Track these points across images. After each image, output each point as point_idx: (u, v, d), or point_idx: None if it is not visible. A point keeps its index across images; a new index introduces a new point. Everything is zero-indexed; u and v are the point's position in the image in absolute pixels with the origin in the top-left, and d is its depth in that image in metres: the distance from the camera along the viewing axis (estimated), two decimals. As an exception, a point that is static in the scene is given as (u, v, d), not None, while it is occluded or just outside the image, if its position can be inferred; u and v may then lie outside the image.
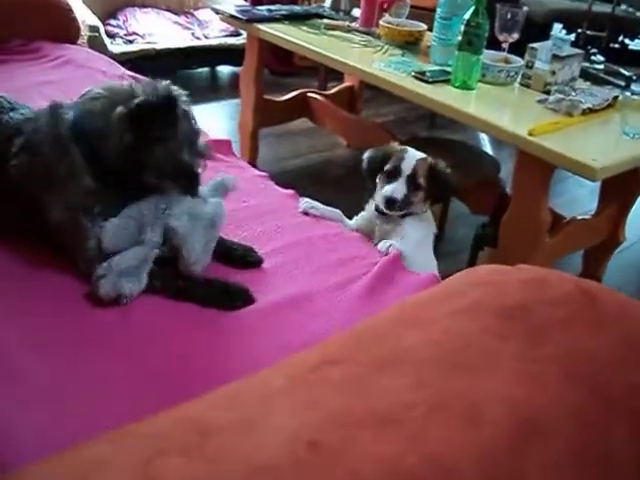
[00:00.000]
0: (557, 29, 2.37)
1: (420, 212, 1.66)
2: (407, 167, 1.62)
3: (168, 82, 1.44)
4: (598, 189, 2.51)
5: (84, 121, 1.35)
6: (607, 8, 4.39)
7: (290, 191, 1.67)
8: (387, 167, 1.64)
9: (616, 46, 4.73)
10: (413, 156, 1.64)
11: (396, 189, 1.60)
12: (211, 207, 1.36)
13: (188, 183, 1.36)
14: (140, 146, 1.31)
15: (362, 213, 1.76)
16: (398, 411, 0.67)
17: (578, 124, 2.03)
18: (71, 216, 1.33)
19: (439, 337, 0.78)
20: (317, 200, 1.71)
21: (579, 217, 2.38)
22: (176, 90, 1.43)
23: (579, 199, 3.19)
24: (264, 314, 1.18)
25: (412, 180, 1.60)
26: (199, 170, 1.38)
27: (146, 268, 1.28)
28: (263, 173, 1.79)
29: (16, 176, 1.35)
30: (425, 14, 2.93)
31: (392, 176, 1.63)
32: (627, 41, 4.76)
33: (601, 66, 4.60)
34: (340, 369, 0.75)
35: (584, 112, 2.07)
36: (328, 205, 1.72)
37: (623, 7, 4.51)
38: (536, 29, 3.64)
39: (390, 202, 1.59)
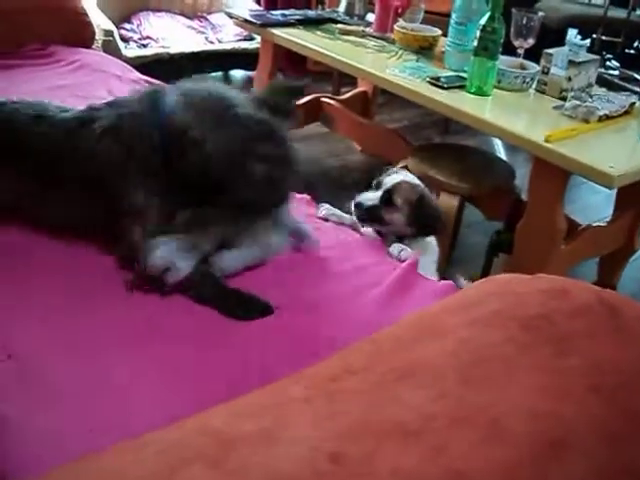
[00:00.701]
0: (572, 35, 2.36)
1: (414, 238, 1.60)
2: (387, 183, 1.60)
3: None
4: (614, 196, 2.50)
5: (171, 125, 1.32)
6: (622, 13, 4.36)
7: (305, 196, 1.67)
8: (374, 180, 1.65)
9: (631, 52, 4.71)
10: (399, 176, 1.62)
11: (366, 197, 1.60)
12: (275, 239, 1.34)
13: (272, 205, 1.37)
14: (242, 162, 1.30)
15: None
16: (419, 422, 0.67)
17: (594, 131, 2.02)
18: (147, 202, 1.34)
19: (459, 348, 0.78)
20: (331, 205, 1.71)
21: (594, 224, 2.36)
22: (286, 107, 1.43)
23: (594, 206, 3.17)
24: (279, 321, 1.18)
25: (388, 196, 1.57)
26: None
27: (197, 255, 1.28)
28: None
29: (99, 159, 1.35)
30: (439, 19, 2.93)
31: (374, 188, 1.63)
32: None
33: (616, 72, 4.60)
34: (360, 379, 0.75)
35: (600, 119, 2.06)
36: (341, 210, 1.71)
37: (639, 12, 4.49)
38: (551, 35, 3.63)
39: (356, 206, 1.59)
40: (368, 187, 1.70)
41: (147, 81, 2.43)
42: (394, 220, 1.56)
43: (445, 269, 2.52)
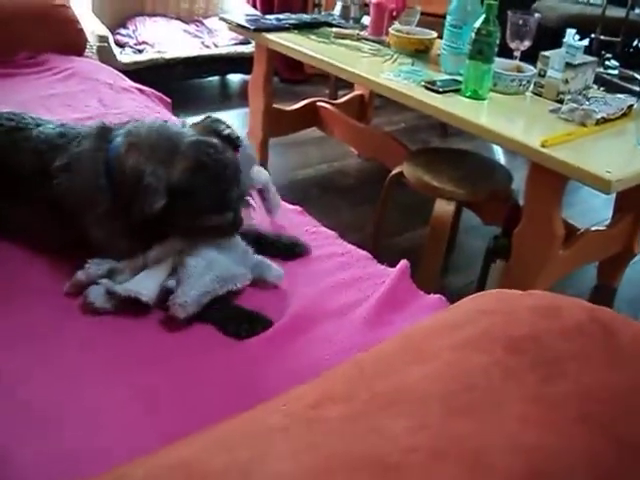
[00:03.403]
0: (570, 34, 2.32)
1: None
2: None
3: (216, 128, 1.39)
4: (613, 199, 2.46)
5: (119, 170, 1.32)
6: (621, 12, 4.33)
7: (297, 207, 1.64)
8: None
9: (631, 51, 4.67)
10: None
11: None
12: (236, 270, 1.32)
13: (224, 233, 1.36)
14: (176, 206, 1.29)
15: None
16: (399, 455, 0.64)
17: (592, 134, 1.98)
18: (109, 241, 1.34)
19: (443, 373, 0.75)
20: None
21: (593, 228, 2.33)
22: (228, 134, 1.40)
23: (593, 209, 3.13)
24: (267, 340, 1.15)
25: None
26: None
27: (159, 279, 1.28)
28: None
29: (58, 194, 1.35)
30: (435, 21, 2.89)
31: None
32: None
33: (616, 71, 4.56)
34: (341, 407, 0.72)
35: (598, 122, 2.02)
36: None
37: (637, 11, 4.45)
38: (548, 35, 3.60)
39: None
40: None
41: (139, 89, 2.40)
42: None
43: (442, 275, 2.51)
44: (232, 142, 1.39)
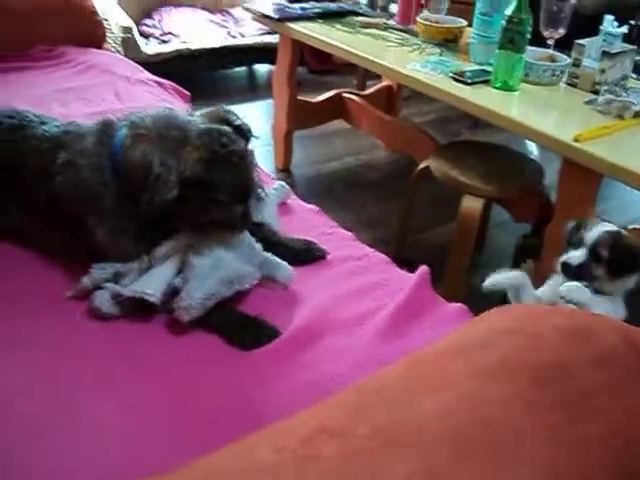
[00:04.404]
0: (608, 21, 2.20)
1: (612, 292, 1.52)
2: (590, 238, 1.50)
3: (227, 117, 1.32)
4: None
5: (126, 162, 1.26)
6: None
7: (314, 207, 1.56)
8: (574, 238, 1.55)
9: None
10: (600, 228, 1.51)
11: (573, 256, 1.51)
12: (243, 269, 1.25)
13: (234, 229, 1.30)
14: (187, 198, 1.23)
15: (549, 281, 1.64)
16: (401, 508, 0.56)
17: (629, 128, 1.87)
18: (115, 239, 1.28)
19: (455, 406, 0.66)
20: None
21: (630, 227, 2.21)
22: (240, 125, 1.32)
23: (629, 204, 3.00)
24: (274, 352, 1.07)
25: (593, 251, 1.48)
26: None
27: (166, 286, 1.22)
28: (286, 186, 1.67)
29: (60, 192, 1.30)
30: (465, 9, 2.78)
31: (576, 246, 1.53)
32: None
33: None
34: (337, 444, 0.64)
35: (636, 115, 1.91)
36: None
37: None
38: (584, 22, 3.45)
39: (564, 267, 1.50)
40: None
41: (157, 82, 2.33)
42: (602, 273, 1.48)
43: (471, 272, 2.41)
44: (243, 133, 1.32)
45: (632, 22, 4.02)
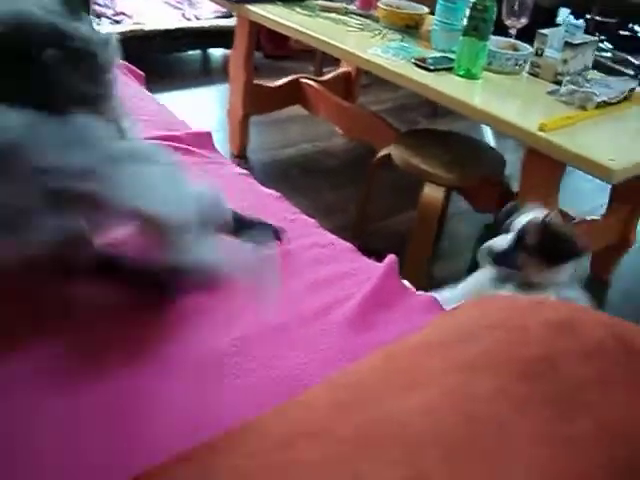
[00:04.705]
0: (564, 14, 2.21)
1: (541, 284, 1.41)
2: (518, 224, 1.40)
3: None
4: (609, 187, 2.35)
5: None
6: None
7: (274, 192, 1.50)
8: (505, 224, 1.44)
9: (626, 33, 4.55)
10: (530, 215, 1.41)
11: (497, 241, 1.41)
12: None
13: None
14: None
15: (471, 277, 1.50)
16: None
17: (592, 118, 1.86)
18: None
19: (440, 403, 0.62)
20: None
21: (588, 217, 2.22)
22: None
23: (586, 193, 3.02)
24: (231, 348, 1.00)
25: (520, 238, 1.38)
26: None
27: None
28: (244, 171, 1.61)
29: None
30: (426, -3, 2.75)
31: (504, 231, 1.43)
32: (637, 28, 4.57)
33: (609, 54, 4.43)
34: (315, 446, 0.59)
35: (599, 105, 1.90)
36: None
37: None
38: (543, 14, 3.47)
39: (487, 253, 1.41)
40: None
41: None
42: (527, 263, 1.38)
43: (430, 263, 2.39)
44: None
45: (588, 16, 4.08)
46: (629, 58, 4.14)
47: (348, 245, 1.33)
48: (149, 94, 2.05)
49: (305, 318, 1.05)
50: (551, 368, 0.65)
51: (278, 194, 1.48)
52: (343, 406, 0.64)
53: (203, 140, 1.69)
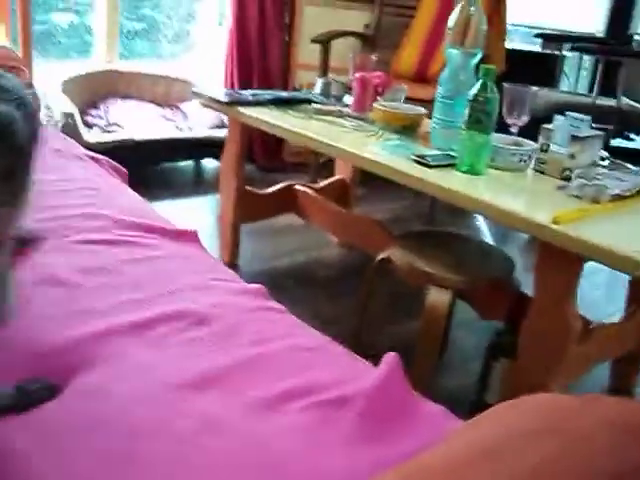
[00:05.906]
0: (559, 119, 2.14)
1: None
2: None
3: None
4: (624, 290, 2.19)
5: None
6: (608, 102, 4.24)
7: (258, 286, 1.33)
8: None
9: (622, 142, 4.56)
10: None
11: None
12: None
13: None
14: None
15: None
16: None
17: (607, 212, 1.73)
18: None
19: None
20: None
21: (607, 321, 2.04)
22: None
23: (594, 302, 2.85)
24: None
25: None
26: None
27: None
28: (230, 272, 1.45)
29: None
30: (422, 105, 2.69)
31: None
32: (633, 136, 4.57)
33: (605, 162, 4.40)
34: None
35: (612, 198, 1.78)
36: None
37: (626, 101, 4.34)
38: (537, 123, 3.44)
39: None
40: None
41: (93, 157, 2.12)
42: None
43: (434, 377, 2.19)
44: None
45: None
46: (626, 165, 4.09)
47: (342, 350, 1.14)
48: (132, 191, 1.93)
49: (296, 433, 0.86)
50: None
51: (263, 288, 1.32)
52: None
53: (189, 239, 1.55)
